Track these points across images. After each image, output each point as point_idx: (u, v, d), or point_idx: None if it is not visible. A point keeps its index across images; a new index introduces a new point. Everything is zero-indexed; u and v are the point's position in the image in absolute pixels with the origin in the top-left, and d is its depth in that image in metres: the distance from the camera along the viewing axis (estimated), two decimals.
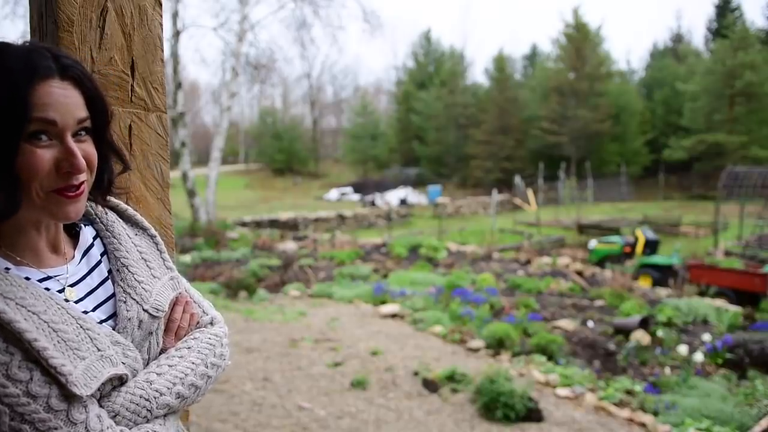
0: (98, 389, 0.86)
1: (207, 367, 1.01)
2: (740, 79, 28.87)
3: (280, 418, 4.37)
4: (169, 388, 0.94)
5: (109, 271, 1.00)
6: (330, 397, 4.78)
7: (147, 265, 1.03)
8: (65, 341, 0.82)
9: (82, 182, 0.87)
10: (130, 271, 0.99)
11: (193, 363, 1.00)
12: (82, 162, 0.85)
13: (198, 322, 1.09)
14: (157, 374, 0.94)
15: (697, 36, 71.62)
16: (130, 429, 0.89)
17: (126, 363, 0.91)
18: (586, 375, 5.44)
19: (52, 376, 0.79)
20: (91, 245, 1.00)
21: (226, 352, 1.08)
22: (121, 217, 1.07)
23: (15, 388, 0.77)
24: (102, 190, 0.99)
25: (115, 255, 1.00)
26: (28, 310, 0.81)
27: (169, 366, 0.97)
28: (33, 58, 0.83)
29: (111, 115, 0.95)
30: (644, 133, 34.34)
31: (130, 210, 1.09)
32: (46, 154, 0.82)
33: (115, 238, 1.02)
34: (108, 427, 0.84)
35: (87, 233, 1.01)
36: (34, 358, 0.79)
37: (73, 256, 0.96)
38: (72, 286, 0.93)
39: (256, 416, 4.37)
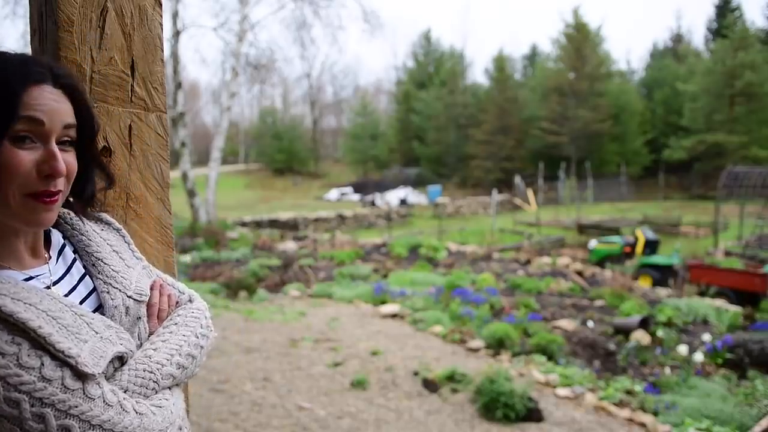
0: (103, 370, 0.87)
1: (198, 338, 1.05)
2: (740, 79, 28.85)
3: (280, 418, 4.37)
4: (168, 359, 0.97)
5: (85, 268, 1.01)
6: (330, 397, 4.78)
7: (120, 257, 1.05)
8: (65, 327, 0.84)
9: (59, 191, 0.88)
10: (106, 263, 1.01)
11: (184, 335, 1.03)
12: (63, 166, 0.86)
13: (177, 302, 1.12)
14: (153, 350, 0.97)
15: (697, 36, 71.80)
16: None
17: (122, 344, 0.93)
18: (586, 375, 5.44)
19: (61, 360, 0.81)
20: (64, 245, 1.02)
21: (210, 324, 1.11)
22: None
23: (29, 375, 0.78)
24: (83, 202, 1.02)
25: (87, 251, 1.02)
26: (25, 303, 0.82)
27: (162, 341, 1.00)
28: (29, 65, 0.87)
29: (98, 129, 0.99)
30: (644, 133, 34.33)
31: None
32: (28, 156, 0.84)
33: (83, 235, 1.04)
34: (124, 399, 0.86)
35: (57, 234, 1.02)
36: (40, 345, 0.80)
37: (50, 257, 0.98)
38: (55, 284, 0.95)
39: (256, 416, 4.37)
